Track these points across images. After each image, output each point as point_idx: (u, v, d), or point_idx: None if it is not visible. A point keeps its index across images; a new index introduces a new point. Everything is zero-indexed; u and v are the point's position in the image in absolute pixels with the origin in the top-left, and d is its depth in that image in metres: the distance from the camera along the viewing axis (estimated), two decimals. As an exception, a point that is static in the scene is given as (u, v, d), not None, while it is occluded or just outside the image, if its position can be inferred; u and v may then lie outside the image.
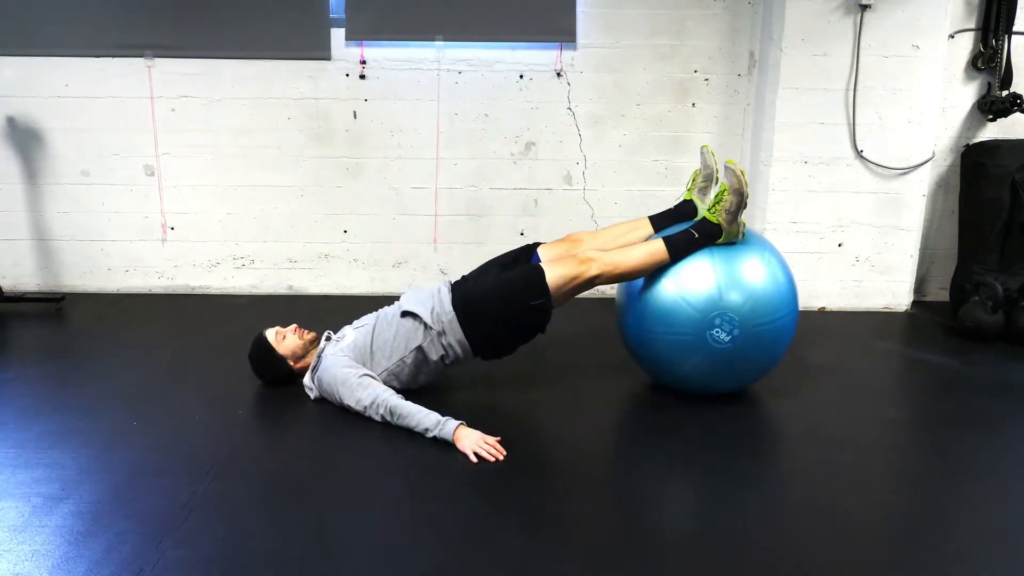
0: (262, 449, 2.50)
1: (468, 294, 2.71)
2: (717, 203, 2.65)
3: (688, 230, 2.67)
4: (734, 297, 2.59)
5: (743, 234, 2.70)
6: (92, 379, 3.03)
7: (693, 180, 2.84)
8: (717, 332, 2.58)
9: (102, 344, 3.48)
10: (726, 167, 2.66)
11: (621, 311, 2.87)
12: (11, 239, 4.25)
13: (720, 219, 2.64)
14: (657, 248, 2.66)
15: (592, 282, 2.63)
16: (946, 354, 3.48)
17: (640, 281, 2.74)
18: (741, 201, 2.63)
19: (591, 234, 2.89)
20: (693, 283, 2.62)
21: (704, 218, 2.67)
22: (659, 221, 2.86)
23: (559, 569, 1.84)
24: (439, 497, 2.18)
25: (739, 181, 2.62)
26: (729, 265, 2.63)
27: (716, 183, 2.81)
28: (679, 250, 2.65)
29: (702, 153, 2.77)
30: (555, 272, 2.63)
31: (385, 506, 2.13)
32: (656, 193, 4.31)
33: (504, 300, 2.66)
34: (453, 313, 2.68)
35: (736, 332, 2.58)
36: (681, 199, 2.89)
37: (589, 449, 2.51)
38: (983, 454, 2.50)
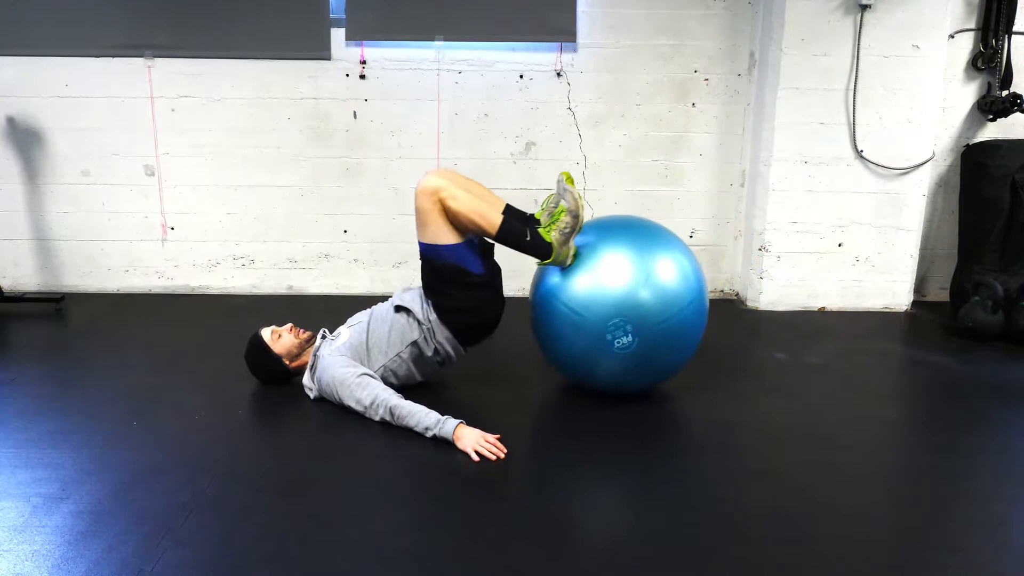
0: (262, 449, 2.50)
1: (424, 282, 2.72)
2: (553, 222, 2.63)
3: (526, 228, 2.64)
4: (635, 299, 2.56)
5: (573, 258, 2.65)
6: (92, 379, 3.03)
7: (546, 201, 2.77)
8: (618, 341, 2.58)
9: (102, 344, 3.48)
10: (564, 188, 2.64)
11: (533, 324, 2.86)
12: (11, 239, 4.26)
13: (552, 238, 2.61)
14: (495, 216, 2.62)
15: (435, 201, 2.58)
16: (946, 354, 3.48)
17: (538, 292, 2.74)
18: (576, 223, 2.62)
19: (443, 170, 2.76)
20: (586, 293, 2.60)
21: (538, 232, 2.63)
22: (510, 211, 2.79)
23: (559, 569, 1.84)
24: (439, 497, 2.18)
25: (576, 204, 2.61)
26: (617, 272, 2.59)
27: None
28: (507, 235, 2.62)
29: (557, 180, 2.72)
30: (426, 234, 2.62)
31: (385, 506, 2.13)
32: (656, 193, 4.31)
33: (449, 286, 2.66)
34: (435, 313, 2.71)
35: (634, 336, 2.56)
36: (531, 215, 2.83)
37: (589, 449, 2.51)
38: (983, 454, 2.50)
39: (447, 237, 2.61)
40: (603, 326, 2.58)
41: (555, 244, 2.61)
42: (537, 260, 2.67)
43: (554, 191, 2.74)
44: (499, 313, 2.78)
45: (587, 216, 4.23)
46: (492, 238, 2.65)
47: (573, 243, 2.65)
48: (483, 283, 2.69)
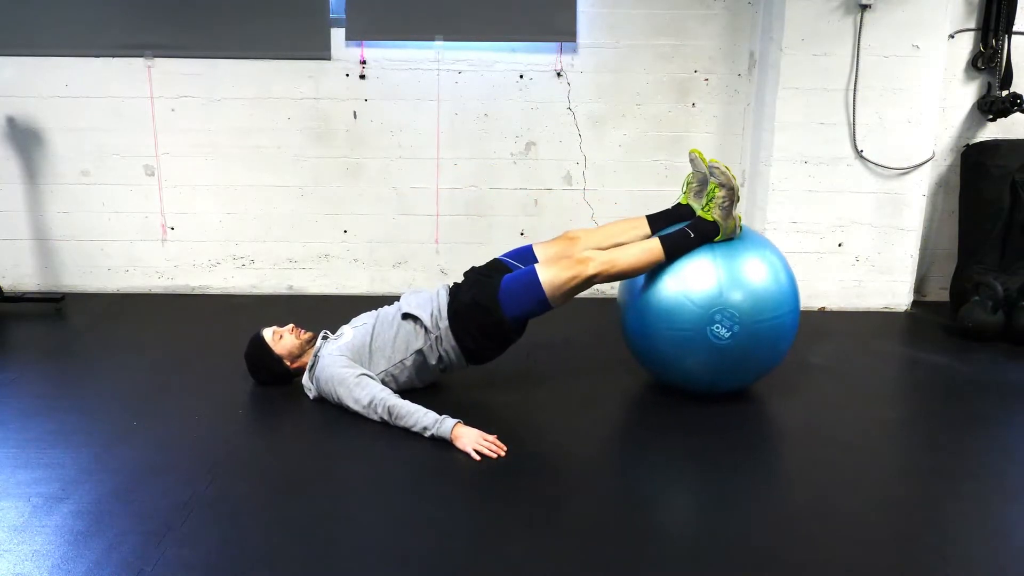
0: (262, 449, 2.50)
1: (458, 305, 2.72)
2: (710, 201, 2.68)
3: (684, 229, 2.69)
4: (735, 294, 2.60)
5: (740, 228, 2.72)
6: (92, 379, 3.03)
7: (688, 184, 2.85)
8: (717, 328, 2.59)
9: (102, 344, 3.48)
10: (711, 166, 2.69)
11: (623, 308, 2.88)
12: (11, 239, 4.25)
13: (715, 216, 2.66)
14: (653, 247, 2.67)
15: (590, 281, 2.63)
16: (946, 354, 3.48)
17: (642, 279, 2.75)
18: (733, 196, 2.66)
19: (587, 232, 2.90)
20: (695, 280, 2.63)
21: (699, 217, 2.69)
22: (656, 221, 2.87)
23: (559, 569, 1.84)
24: (439, 497, 2.18)
25: (727, 177, 2.65)
26: (730, 263, 2.64)
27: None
28: (675, 248, 2.67)
29: (691, 160, 2.79)
30: (550, 274, 2.63)
31: (385, 506, 2.13)
32: (656, 193, 4.30)
33: (486, 312, 2.67)
34: (448, 322, 2.70)
35: (736, 328, 2.58)
36: (676, 202, 2.90)
37: (589, 449, 2.51)
38: (983, 454, 2.50)
39: (558, 300, 2.65)
40: (710, 312, 2.59)
41: (719, 221, 2.66)
42: (710, 240, 2.70)
43: (691, 172, 2.79)
44: (510, 344, 2.81)
45: (589, 215, 4.25)
46: (665, 264, 2.68)
47: (736, 212, 2.70)
48: (511, 329, 2.71)
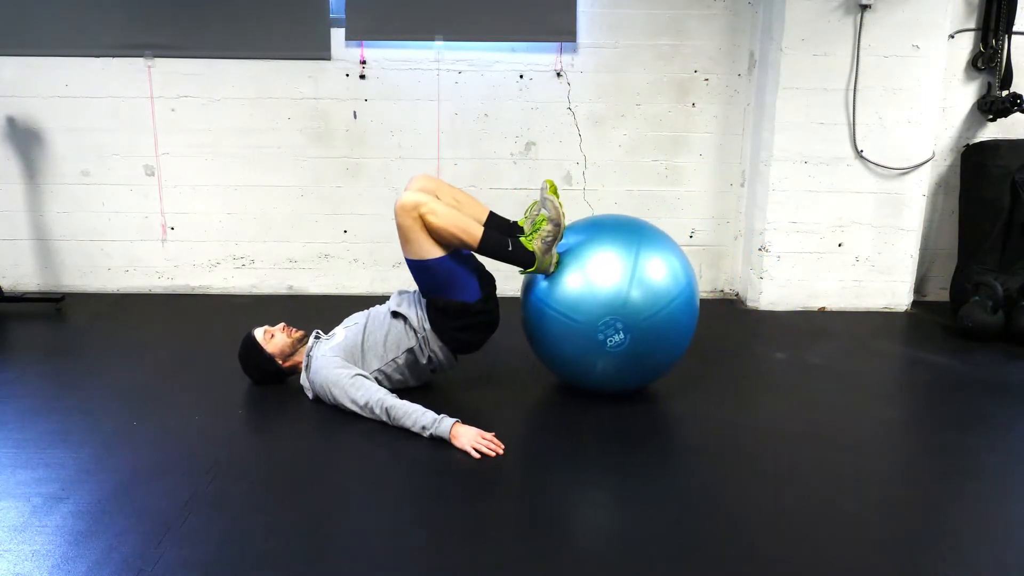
0: (262, 449, 2.50)
1: (429, 312, 2.73)
2: (534, 231, 2.65)
3: (507, 239, 2.65)
4: (620, 300, 2.57)
5: (556, 266, 2.67)
6: (92, 379, 3.03)
7: (529, 209, 2.78)
8: (610, 340, 2.59)
9: (102, 344, 3.48)
10: (545, 198, 2.66)
11: (527, 334, 2.88)
12: (11, 239, 4.26)
13: (535, 247, 2.63)
14: (475, 231, 2.61)
15: (417, 211, 2.54)
16: (946, 354, 3.48)
17: (532, 306, 2.74)
18: (557, 232, 2.63)
19: (426, 177, 2.78)
20: (574, 299, 2.61)
21: (521, 242, 2.65)
22: (492, 220, 2.81)
23: (557, 569, 1.84)
24: (438, 496, 2.18)
25: (556, 212, 2.62)
26: (604, 272, 2.61)
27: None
28: (489, 246, 2.63)
29: (541, 187, 2.73)
30: (410, 251, 2.59)
31: (385, 505, 2.13)
32: (656, 193, 4.31)
33: (442, 309, 2.68)
34: (430, 323, 2.73)
35: (625, 332, 2.57)
36: (515, 221, 2.84)
37: (588, 448, 2.51)
38: (983, 454, 2.50)
39: (432, 251, 2.60)
40: (594, 326, 2.58)
41: (537, 253, 2.63)
42: (520, 269, 2.69)
43: (537, 199, 2.75)
44: (495, 326, 2.81)
45: (589, 215, 4.25)
46: (474, 251, 2.66)
47: (555, 251, 2.66)
48: (481, 310, 2.71)
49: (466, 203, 2.77)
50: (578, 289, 2.62)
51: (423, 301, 2.76)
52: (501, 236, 2.66)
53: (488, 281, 2.78)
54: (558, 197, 2.67)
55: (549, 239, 2.63)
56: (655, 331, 2.62)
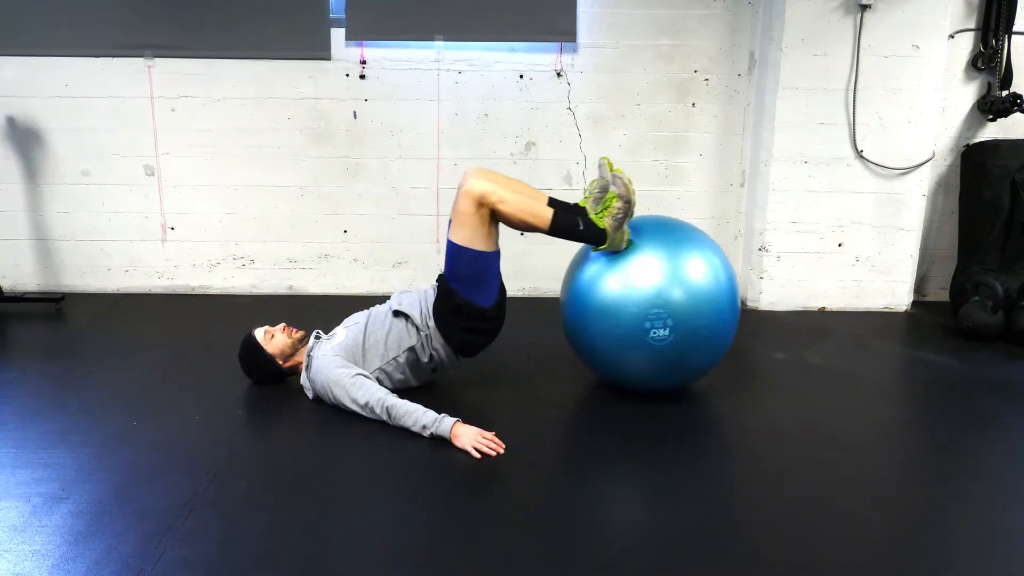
0: (262, 449, 2.50)
1: (437, 308, 2.73)
2: (604, 209, 2.64)
3: (578, 218, 2.65)
4: (674, 292, 2.59)
5: (628, 242, 2.67)
6: (92, 379, 3.03)
7: (590, 189, 2.77)
8: (654, 332, 2.59)
9: (102, 344, 3.48)
10: (614, 175, 2.65)
11: (564, 323, 2.88)
12: (11, 239, 4.26)
13: (606, 224, 2.62)
14: (545, 211, 2.62)
15: (483, 203, 2.55)
16: (946, 354, 3.48)
17: (579, 290, 2.74)
18: (628, 208, 2.62)
19: (483, 170, 2.75)
20: (635, 281, 2.62)
21: (591, 220, 2.65)
22: (554, 203, 2.77)
23: (559, 569, 1.84)
24: (437, 496, 2.18)
25: (627, 189, 2.61)
26: (673, 264, 2.63)
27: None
28: (561, 227, 2.64)
29: (599, 165, 2.74)
30: (458, 231, 2.60)
31: (384, 505, 2.13)
32: (656, 193, 4.31)
33: (457, 307, 2.68)
34: (434, 321, 2.72)
35: (671, 323, 2.58)
36: (575, 203, 2.82)
37: (589, 448, 2.51)
38: (983, 454, 2.50)
39: (483, 244, 2.61)
40: (643, 315, 2.58)
41: (609, 230, 2.63)
42: (592, 247, 2.68)
43: (596, 177, 2.74)
44: (497, 335, 2.81)
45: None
46: (545, 232, 2.65)
47: (626, 227, 2.66)
48: (493, 316, 2.72)
49: (526, 191, 2.75)
50: (620, 287, 2.62)
51: (430, 300, 2.76)
52: (571, 216, 2.65)
53: (503, 293, 2.79)
54: (624, 173, 2.65)
55: (620, 216, 2.62)
56: (699, 337, 2.62)
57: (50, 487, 2.18)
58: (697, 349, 2.67)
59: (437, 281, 2.81)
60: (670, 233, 2.73)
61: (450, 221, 2.68)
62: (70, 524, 2.00)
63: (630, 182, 2.62)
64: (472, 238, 2.59)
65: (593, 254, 2.76)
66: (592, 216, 2.65)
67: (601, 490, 2.26)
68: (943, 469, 2.41)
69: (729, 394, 2.96)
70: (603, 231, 2.63)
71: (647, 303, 2.59)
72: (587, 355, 2.83)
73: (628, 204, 2.62)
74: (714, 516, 2.10)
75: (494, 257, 2.66)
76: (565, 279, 2.89)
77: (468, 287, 2.66)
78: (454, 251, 2.63)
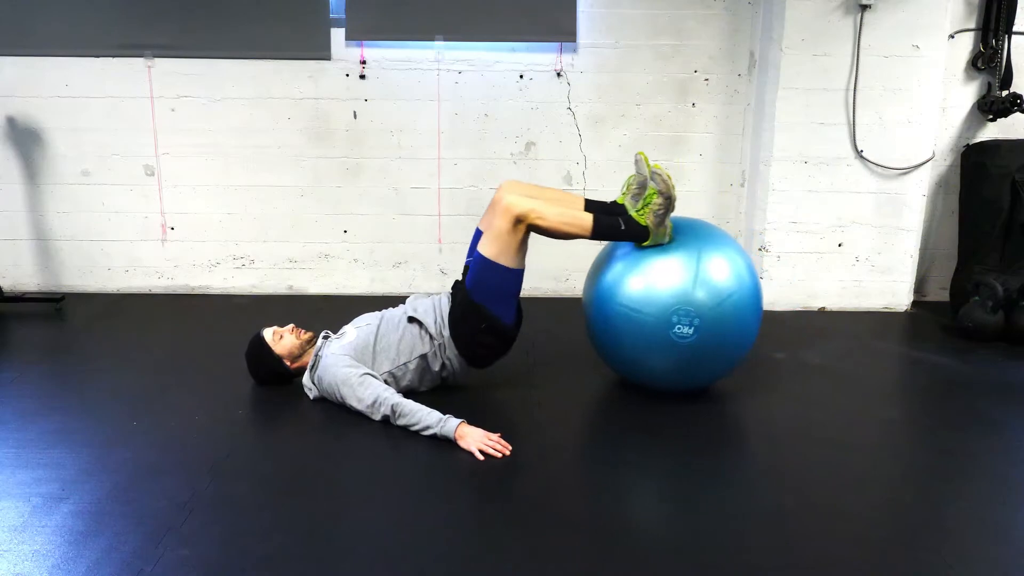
0: (262, 449, 2.50)
1: (453, 318, 2.73)
2: (645, 205, 2.65)
3: (618, 218, 2.66)
4: (699, 294, 2.60)
5: (671, 236, 2.69)
6: (92, 379, 3.03)
7: (628, 185, 2.78)
8: (679, 328, 2.59)
9: (102, 344, 3.48)
10: (653, 171, 2.66)
11: (586, 316, 2.88)
12: (11, 239, 4.26)
13: (647, 221, 2.64)
14: (585, 218, 2.64)
15: (520, 223, 2.57)
16: (946, 354, 3.48)
17: (602, 283, 2.75)
18: (669, 204, 2.63)
19: (517, 183, 2.82)
20: (659, 281, 2.63)
21: (631, 217, 2.66)
22: (592, 205, 2.82)
23: (561, 569, 1.84)
24: (440, 497, 2.18)
25: (666, 185, 2.62)
26: (698, 262, 2.64)
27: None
28: (603, 231, 2.65)
29: (636, 161, 2.75)
30: (491, 245, 2.61)
31: (385, 506, 2.13)
32: (656, 193, 4.30)
33: (476, 319, 2.69)
34: (450, 330, 2.73)
35: (697, 322, 2.59)
36: (613, 200, 2.84)
37: (590, 448, 2.51)
38: (983, 454, 2.50)
39: (512, 261, 2.63)
40: (669, 311, 2.59)
41: (651, 226, 2.64)
42: (635, 244, 2.70)
43: (634, 173, 2.75)
44: (507, 352, 2.82)
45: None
46: (588, 238, 2.67)
47: (668, 222, 2.67)
48: (511, 336, 2.75)
49: (561, 199, 2.79)
50: (643, 288, 2.63)
51: (445, 309, 2.76)
52: (611, 218, 2.66)
53: (520, 313, 2.81)
54: (663, 169, 2.65)
55: (661, 212, 2.63)
56: (722, 337, 2.64)
57: (50, 487, 2.18)
58: (717, 353, 2.68)
59: (453, 290, 2.81)
60: (702, 236, 2.75)
61: (478, 231, 2.72)
62: (70, 524, 2.00)
63: (669, 177, 2.64)
64: (502, 254, 2.61)
65: (638, 248, 2.75)
66: (632, 213, 2.67)
67: (602, 490, 2.26)
68: (943, 469, 2.41)
69: (729, 394, 2.96)
70: (645, 228, 2.64)
71: (678, 300, 2.59)
72: (607, 349, 2.83)
73: (669, 199, 2.63)
74: (712, 515, 2.10)
75: (519, 275, 2.68)
76: (590, 274, 2.90)
77: (492, 302, 2.68)
78: (483, 265, 2.64)
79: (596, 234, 2.65)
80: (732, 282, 2.65)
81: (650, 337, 2.64)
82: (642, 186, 2.69)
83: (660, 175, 2.62)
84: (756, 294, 2.74)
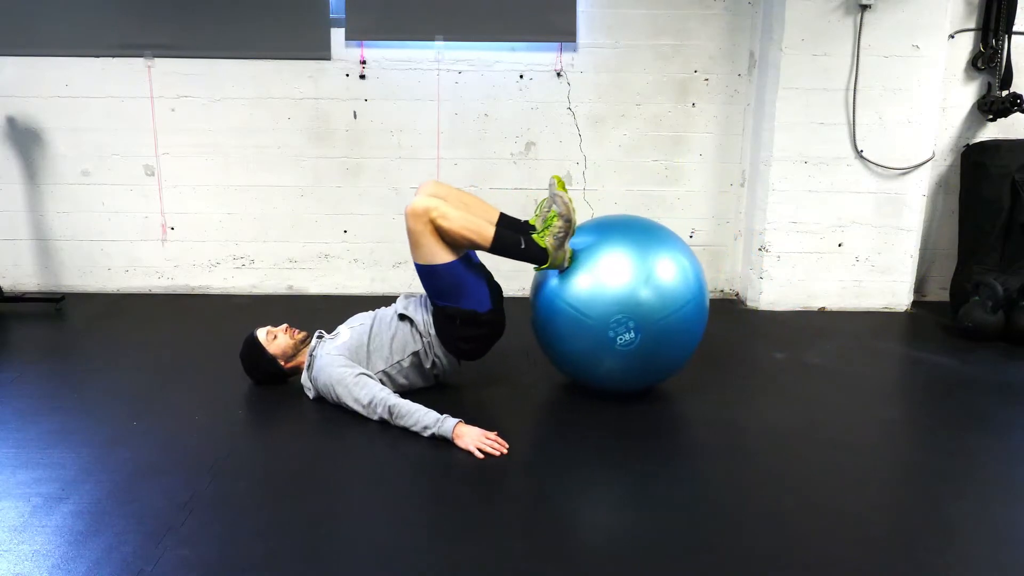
0: (262, 449, 2.50)
1: (434, 318, 2.74)
2: (546, 228, 2.65)
3: (520, 237, 2.65)
4: (633, 300, 2.57)
5: (570, 261, 2.67)
6: (92, 379, 3.03)
7: (540, 207, 2.77)
8: (620, 338, 2.59)
9: (102, 344, 3.48)
10: (554, 194, 2.66)
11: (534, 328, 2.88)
12: (11, 239, 4.26)
13: (547, 243, 2.63)
14: (487, 231, 2.62)
15: (427, 216, 2.54)
16: (946, 354, 3.48)
17: (543, 301, 2.74)
18: (569, 228, 2.63)
19: (435, 183, 2.80)
20: (587, 296, 2.61)
21: (533, 239, 2.65)
22: (503, 220, 2.82)
23: (560, 569, 1.84)
24: (438, 496, 2.18)
25: (567, 209, 2.62)
26: (619, 271, 2.61)
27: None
28: (503, 246, 2.64)
29: (549, 184, 2.74)
30: (420, 251, 2.59)
31: (384, 506, 2.13)
32: (656, 193, 4.31)
33: (450, 317, 2.69)
34: (435, 329, 2.74)
35: (636, 331, 2.57)
36: (526, 220, 2.84)
37: (590, 449, 2.51)
38: (983, 454, 2.50)
39: (442, 256, 2.61)
40: (606, 323, 2.58)
41: (550, 249, 2.63)
42: (534, 266, 2.69)
43: (547, 196, 2.75)
44: (500, 336, 2.81)
45: (589, 215, 4.25)
46: (487, 251, 2.66)
47: (568, 246, 2.66)
48: (489, 320, 2.72)
49: (475, 206, 2.78)
50: (590, 287, 2.61)
51: (430, 306, 2.76)
52: (513, 234, 2.66)
53: (497, 291, 2.79)
54: (567, 193, 2.67)
55: (560, 235, 2.63)
56: (666, 333, 2.62)
57: (50, 487, 2.18)
58: (667, 344, 2.65)
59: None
60: (617, 232, 2.72)
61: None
62: (70, 524, 2.00)
63: (571, 201, 2.65)
64: (431, 254, 2.60)
65: (536, 272, 2.78)
66: (535, 235, 2.66)
67: (603, 490, 2.26)
68: (943, 469, 2.41)
69: (729, 394, 2.96)
70: (544, 250, 2.63)
71: (607, 313, 2.58)
72: (568, 368, 2.84)
73: (568, 223, 2.63)
74: (713, 515, 2.10)
75: (460, 264, 2.65)
76: (532, 291, 2.89)
77: (455, 299, 2.68)
78: (423, 272, 2.65)
79: (495, 248, 2.64)
80: (683, 291, 2.62)
81: (597, 350, 2.63)
82: (549, 208, 2.70)
83: (561, 197, 2.63)
84: (703, 303, 2.72)
